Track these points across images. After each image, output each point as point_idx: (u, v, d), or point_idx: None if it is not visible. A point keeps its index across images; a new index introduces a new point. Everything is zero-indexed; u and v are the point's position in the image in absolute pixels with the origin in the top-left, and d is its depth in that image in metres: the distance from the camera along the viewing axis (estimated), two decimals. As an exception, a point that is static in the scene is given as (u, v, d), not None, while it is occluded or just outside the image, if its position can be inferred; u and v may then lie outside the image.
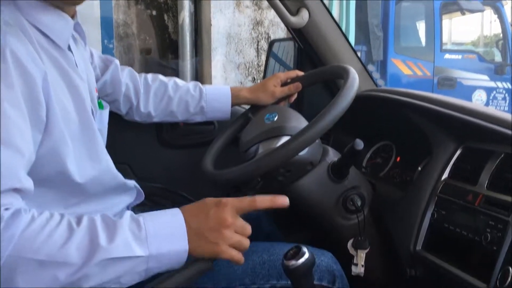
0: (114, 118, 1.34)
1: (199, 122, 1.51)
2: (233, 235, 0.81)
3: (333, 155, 1.22)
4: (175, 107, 1.33)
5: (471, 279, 0.95)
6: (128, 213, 0.79)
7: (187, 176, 1.52)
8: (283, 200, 0.84)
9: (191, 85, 1.35)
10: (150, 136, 1.56)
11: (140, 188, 1.12)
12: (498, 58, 6.45)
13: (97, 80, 1.22)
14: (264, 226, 1.36)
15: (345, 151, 1.14)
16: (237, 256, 0.82)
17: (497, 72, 6.06)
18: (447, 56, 6.04)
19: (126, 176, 1.49)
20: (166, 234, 0.78)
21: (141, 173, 1.55)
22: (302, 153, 1.12)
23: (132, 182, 1.10)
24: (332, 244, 1.31)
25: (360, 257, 1.22)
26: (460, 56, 6.17)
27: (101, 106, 1.06)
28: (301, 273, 0.88)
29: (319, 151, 1.20)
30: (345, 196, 1.21)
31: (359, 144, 1.10)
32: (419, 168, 1.29)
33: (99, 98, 1.12)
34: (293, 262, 0.87)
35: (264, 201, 0.83)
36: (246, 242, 0.83)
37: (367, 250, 1.22)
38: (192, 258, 0.82)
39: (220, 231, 0.79)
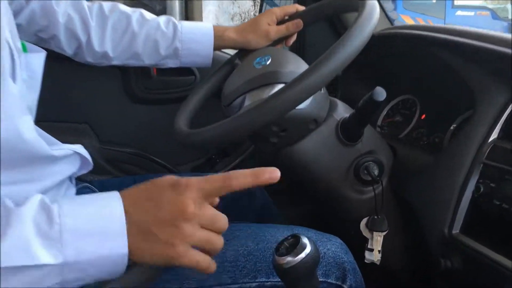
0: (68, 65, 1.06)
1: (177, 72, 1.22)
2: (197, 231, 0.54)
3: (343, 111, 0.94)
4: (141, 47, 1.03)
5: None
6: (37, 198, 0.52)
7: (162, 138, 1.24)
8: (271, 174, 0.56)
9: (162, 19, 1.05)
10: (115, 87, 1.28)
11: (86, 154, 0.84)
12: (512, 15, 6.09)
13: (19, 10, 0.92)
14: (257, 200, 1.09)
15: (360, 104, 0.85)
16: (204, 261, 0.55)
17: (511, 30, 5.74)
18: (458, 13, 5.69)
19: (85, 138, 1.24)
20: (94, 230, 0.51)
21: (105, 134, 1.27)
22: (302, 106, 0.84)
23: (72, 148, 0.82)
24: (341, 225, 1.05)
25: (377, 241, 0.95)
26: (472, 13, 5.81)
27: (24, 49, 0.76)
28: (299, 275, 0.61)
29: (325, 105, 0.92)
30: (358, 164, 0.94)
31: (380, 93, 0.81)
32: (452, 127, 1.00)
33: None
34: (288, 259, 0.60)
35: (243, 178, 0.55)
36: (218, 241, 0.56)
37: (386, 232, 0.96)
38: (137, 265, 0.55)
39: (178, 225, 0.53)
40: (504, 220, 0.76)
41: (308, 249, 0.61)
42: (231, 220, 1.07)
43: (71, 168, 0.82)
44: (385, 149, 0.98)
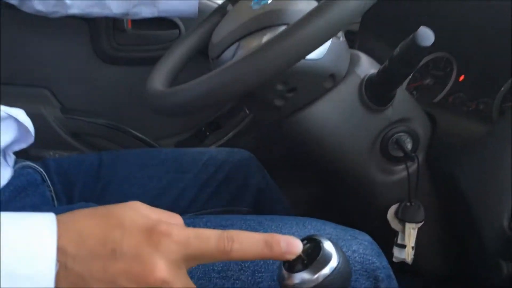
0: (22, 16, 0.88)
1: (157, 24, 1.01)
2: None
3: (368, 66, 0.72)
4: None
5: None
6: None
7: (140, 107, 1.02)
8: (290, 248, 0.38)
9: None
10: (82, 44, 1.05)
11: (27, 123, 0.62)
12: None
13: None
14: (253, 179, 0.89)
15: (396, 53, 0.63)
16: None
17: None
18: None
19: (45, 106, 1.02)
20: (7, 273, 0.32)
21: (70, 102, 1.05)
22: (315, 57, 0.63)
23: (7, 111, 0.60)
24: (362, 215, 0.84)
25: (410, 234, 0.74)
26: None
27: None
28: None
29: (345, 58, 0.70)
30: (386, 135, 0.73)
31: (426, 36, 0.59)
32: (503, 88, 0.78)
33: None
34: (303, 278, 0.39)
35: (250, 245, 0.37)
36: None
37: (421, 223, 0.74)
38: None
39: None
40: None
41: (334, 261, 0.40)
42: (222, 205, 0.87)
43: (3, 137, 0.61)
44: (422, 116, 0.76)
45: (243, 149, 0.93)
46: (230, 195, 0.86)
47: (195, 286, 0.37)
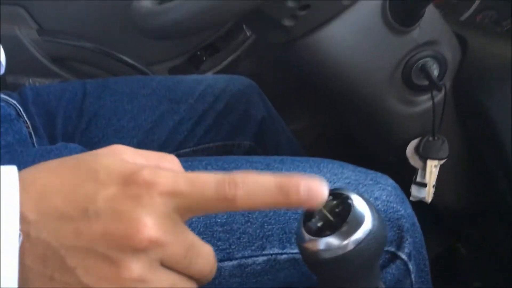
0: None
1: None
2: (153, 274, 0.26)
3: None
4: None
5: None
6: None
7: (130, 28, 0.91)
8: (313, 193, 0.26)
9: None
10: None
11: None
12: None
13: None
14: (255, 109, 0.81)
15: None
16: None
17: None
18: None
19: (20, 26, 0.91)
20: None
21: (48, 21, 0.94)
22: None
23: None
24: (377, 151, 0.76)
25: (431, 172, 0.67)
26: None
27: None
28: (350, 270, 0.33)
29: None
30: (410, 60, 0.64)
31: None
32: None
33: None
34: (329, 243, 0.32)
35: (259, 192, 0.26)
36: None
37: (445, 160, 0.67)
38: None
39: (117, 259, 0.25)
40: None
41: (368, 224, 0.32)
42: (221, 138, 0.79)
43: None
44: (451, 38, 0.67)
45: (243, 75, 0.85)
46: (230, 127, 0.79)
47: (202, 242, 0.28)
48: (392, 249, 0.51)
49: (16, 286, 0.25)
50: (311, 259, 0.33)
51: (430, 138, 0.67)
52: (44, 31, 0.93)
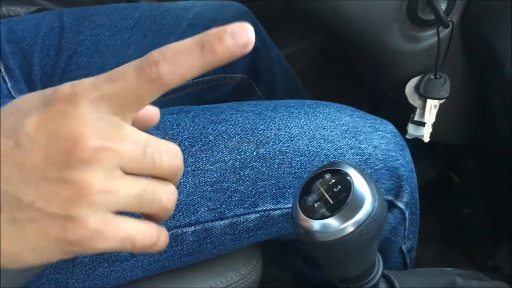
0: None
1: None
2: (115, 182, 0.24)
3: None
4: None
5: None
6: None
7: None
8: (239, 38, 0.25)
9: None
10: None
11: None
12: None
13: None
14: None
15: None
16: (144, 234, 0.26)
17: None
18: None
19: None
20: None
21: None
22: None
23: None
24: (377, 85, 0.73)
25: (430, 111, 0.65)
26: None
27: None
28: (350, 250, 0.31)
29: None
30: (417, -7, 0.58)
31: None
32: None
33: None
34: (326, 225, 0.30)
35: (181, 58, 0.24)
36: (165, 192, 0.26)
37: (444, 100, 0.64)
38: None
39: (69, 177, 0.23)
40: None
41: (368, 205, 0.30)
42: (213, 73, 0.75)
43: None
44: (462, -33, 0.61)
45: (235, 0, 0.78)
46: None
47: (159, 138, 0.26)
48: (390, 197, 0.50)
49: None
50: (306, 240, 0.31)
51: (432, 77, 0.63)
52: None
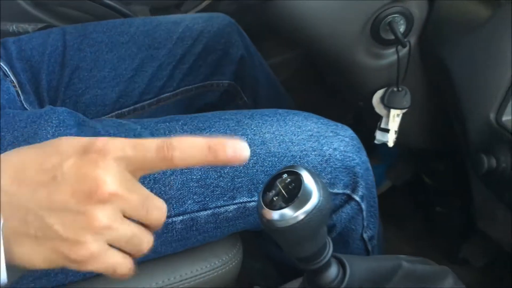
0: None
1: None
2: (117, 223, 0.33)
3: None
4: None
5: None
6: None
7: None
8: (236, 153, 0.34)
9: None
10: None
11: None
12: None
13: None
14: (234, 49, 0.83)
15: None
16: (123, 266, 0.34)
17: None
18: None
19: None
20: None
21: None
22: None
23: None
24: (348, 96, 0.82)
25: (394, 120, 0.73)
26: None
27: None
28: (299, 236, 0.39)
29: None
30: (379, 17, 0.67)
31: None
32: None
33: None
34: (282, 214, 0.38)
35: (191, 150, 0.34)
36: (145, 239, 0.35)
37: (406, 109, 0.73)
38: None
39: (87, 212, 0.32)
40: None
41: (315, 198, 0.38)
42: (200, 80, 0.79)
43: None
44: (419, -5, 0.69)
45: (223, 13, 0.85)
46: (208, 68, 0.82)
47: (155, 196, 0.35)
48: (348, 191, 0.58)
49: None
50: (268, 227, 0.39)
51: (395, 89, 0.72)
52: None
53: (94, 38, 0.76)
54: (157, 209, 0.34)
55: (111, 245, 0.33)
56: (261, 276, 0.96)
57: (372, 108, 0.74)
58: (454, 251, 0.98)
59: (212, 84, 0.83)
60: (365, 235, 0.63)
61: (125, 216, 0.33)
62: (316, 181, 0.39)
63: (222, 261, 0.56)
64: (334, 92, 0.86)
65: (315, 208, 0.38)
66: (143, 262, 0.54)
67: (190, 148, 0.33)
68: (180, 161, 0.33)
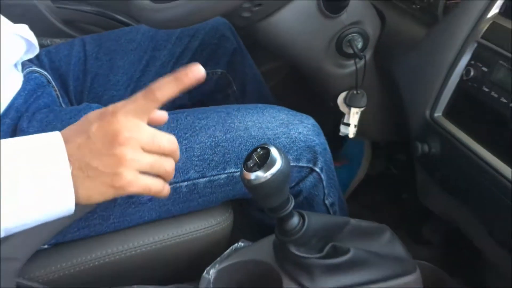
0: None
1: None
2: (139, 155, 0.50)
3: (326, -24, 0.81)
4: None
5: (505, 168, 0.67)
6: None
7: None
8: (195, 74, 0.51)
9: None
10: None
11: (31, 37, 0.72)
12: None
13: None
14: (228, 43, 0.98)
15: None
16: (156, 186, 0.52)
17: None
18: None
19: None
20: (36, 174, 0.46)
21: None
22: None
23: (16, 31, 0.70)
24: (321, 100, 1.00)
25: (353, 116, 0.92)
26: None
27: None
28: (269, 190, 0.58)
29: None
30: (341, 36, 0.85)
31: None
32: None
33: None
34: (256, 175, 0.57)
35: (166, 87, 0.50)
36: (166, 163, 0.52)
37: (363, 108, 0.91)
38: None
39: (116, 153, 0.48)
40: (490, 109, 0.71)
41: (278, 164, 0.57)
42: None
43: (16, 53, 0.72)
44: (373, 19, 0.88)
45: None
46: (205, 59, 0.95)
47: (163, 132, 0.51)
48: (310, 165, 0.76)
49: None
50: (247, 185, 0.58)
51: (354, 92, 0.90)
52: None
53: (108, 47, 0.91)
54: (162, 140, 0.51)
55: (142, 173, 0.50)
56: (246, 234, 1.12)
57: (338, 106, 0.93)
58: (418, 233, 1.14)
59: (208, 73, 0.96)
60: (327, 201, 0.81)
61: (145, 150, 0.50)
62: (280, 154, 0.57)
63: (217, 221, 0.75)
64: (313, 96, 1.04)
65: (278, 170, 0.56)
66: (158, 220, 0.72)
67: (164, 85, 0.49)
68: (161, 97, 0.49)
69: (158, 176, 0.52)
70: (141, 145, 0.49)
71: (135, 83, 0.91)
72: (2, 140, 0.46)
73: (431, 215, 1.06)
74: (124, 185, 0.49)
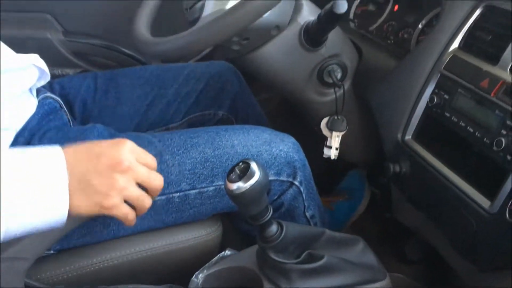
0: None
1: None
2: (131, 186, 0.58)
3: (308, 14, 0.91)
4: None
5: (472, 191, 0.74)
6: None
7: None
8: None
9: None
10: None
11: (43, 65, 0.81)
12: None
13: None
14: (232, 86, 1.05)
15: (321, 14, 0.83)
16: (131, 216, 0.60)
17: None
18: None
19: (49, 30, 1.18)
20: (34, 183, 0.53)
21: (70, 25, 1.22)
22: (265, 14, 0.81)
23: (29, 60, 0.79)
24: (305, 124, 1.09)
25: (335, 139, 1.00)
26: None
27: None
28: (249, 199, 0.66)
29: (288, 10, 0.89)
30: (321, 67, 0.95)
31: (341, 5, 0.79)
32: (421, 25, 0.98)
33: None
34: (238, 185, 0.65)
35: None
36: (147, 201, 0.61)
37: (344, 132, 1.00)
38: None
39: (114, 177, 0.56)
40: (452, 133, 0.80)
41: (257, 176, 0.65)
42: (199, 110, 1.03)
43: (30, 80, 0.81)
44: (351, 52, 0.97)
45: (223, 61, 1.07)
46: (208, 101, 1.02)
47: (156, 173, 0.61)
48: (290, 179, 0.83)
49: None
50: (230, 194, 0.66)
51: (335, 117, 0.99)
52: (68, 33, 1.20)
53: (118, 81, 0.98)
54: (155, 180, 0.60)
55: (126, 202, 0.58)
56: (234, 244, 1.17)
57: (321, 130, 1.02)
58: (401, 252, 1.19)
59: (210, 113, 1.04)
60: (307, 214, 0.88)
61: (135, 183, 0.58)
62: (258, 167, 0.65)
63: (207, 232, 0.83)
64: (302, 121, 1.13)
65: (256, 182, 0.64)
66: (155, 229, 0.80)
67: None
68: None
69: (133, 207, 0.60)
70: (135, 177, 0.58)
71: (140, 117, 0.98)
72: (9, 149, 0.54)
73: (412, 233, 1.12)
74: (108, 206, 0.57)
